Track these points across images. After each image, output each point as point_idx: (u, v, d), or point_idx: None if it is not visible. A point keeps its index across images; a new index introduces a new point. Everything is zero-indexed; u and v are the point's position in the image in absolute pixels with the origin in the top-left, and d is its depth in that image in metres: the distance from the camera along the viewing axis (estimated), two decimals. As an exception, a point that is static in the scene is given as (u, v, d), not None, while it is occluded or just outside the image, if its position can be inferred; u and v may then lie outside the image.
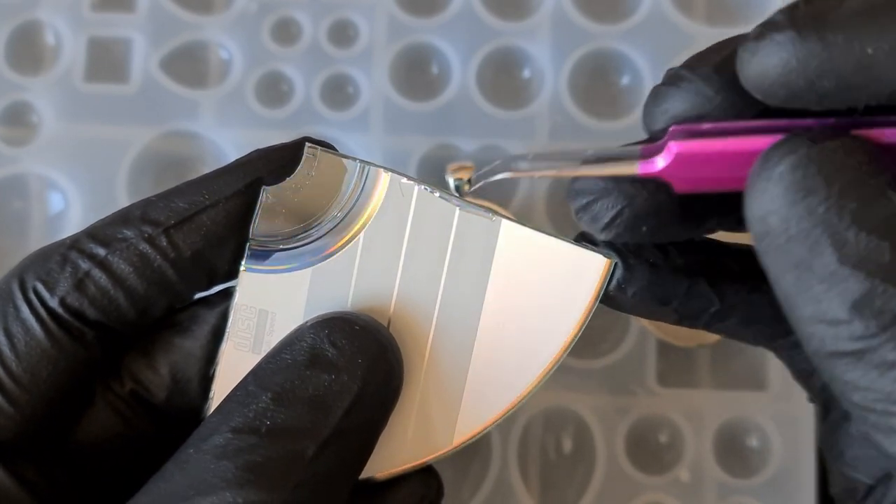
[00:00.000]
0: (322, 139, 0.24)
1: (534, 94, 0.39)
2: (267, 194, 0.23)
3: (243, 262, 0.23)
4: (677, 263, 0.22)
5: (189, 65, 0.40)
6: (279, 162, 0.23)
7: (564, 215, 0.38)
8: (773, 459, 0.36)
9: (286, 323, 0.23)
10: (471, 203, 0.23)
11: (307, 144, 0.23)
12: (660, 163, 0.19)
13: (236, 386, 0.21)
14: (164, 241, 0.22)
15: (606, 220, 0.21)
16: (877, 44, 0.17)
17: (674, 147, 0.19)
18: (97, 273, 0.22)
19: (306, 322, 0.22)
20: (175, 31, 0.40)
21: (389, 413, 0.22)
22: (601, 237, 0.21)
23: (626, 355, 0.37)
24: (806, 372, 0.24)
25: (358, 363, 0.21)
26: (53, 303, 0.22)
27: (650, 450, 0.37)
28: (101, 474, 0.23)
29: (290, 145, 0.23)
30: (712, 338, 0.37)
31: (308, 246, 0.23)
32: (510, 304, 0.23)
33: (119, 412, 0.23)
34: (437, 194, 0.23)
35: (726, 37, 0.21)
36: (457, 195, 0.23)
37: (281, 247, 0.23)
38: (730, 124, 0.19)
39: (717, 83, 0.19)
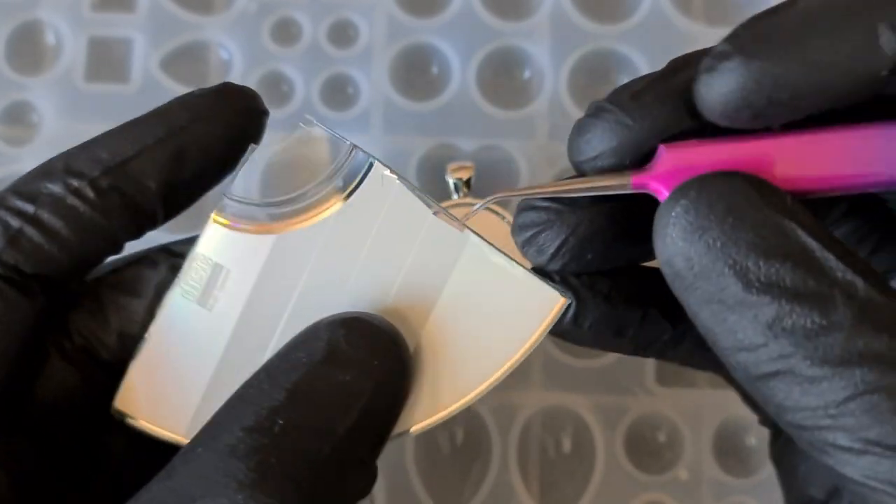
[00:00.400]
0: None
1: (533, 95, 0.40)
2: (252, 153, 0.23)
3: (213, 213, 0.23)
4: (629, 293, 0.22)
5: (189, 65, 0.40)
6: (198, 108, 0.23)
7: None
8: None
9: (238, 282, 0.23)
10: (447, 211, 0.23)
11: (305, 115, 0.23)
12: (652, 169, 0.20)
13: (246, 382, 0.21)
14: (90, 193, 0.22)
15: (552, 250, 0.21)
16: (817, 51, 0.18)
17: (665, 149, 0.20)
18: (29, 229, 0.22)
19: (322, 320, 0.22)
20: (175, 31, 0.40)
21: (401, 410, 0.22)
22: (549, 268, 0.22)
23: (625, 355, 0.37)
24: None
25: (374, 364, 0.20)
26: None
27: (649, 449, 0.37)
28: (62, 438, 0.23)
29: (208, 91, 0.23)
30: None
31: (280, 213, 0.23)
32: (458, 320, 0.22)
33: (74, 366, 0.23)
34: (416, 194, 0.23)
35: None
36: (436, 202, 0.23)
37: (254, 208, 0.23)
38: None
39: (635, 111, 0.20)
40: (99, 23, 0.40)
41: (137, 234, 0.24)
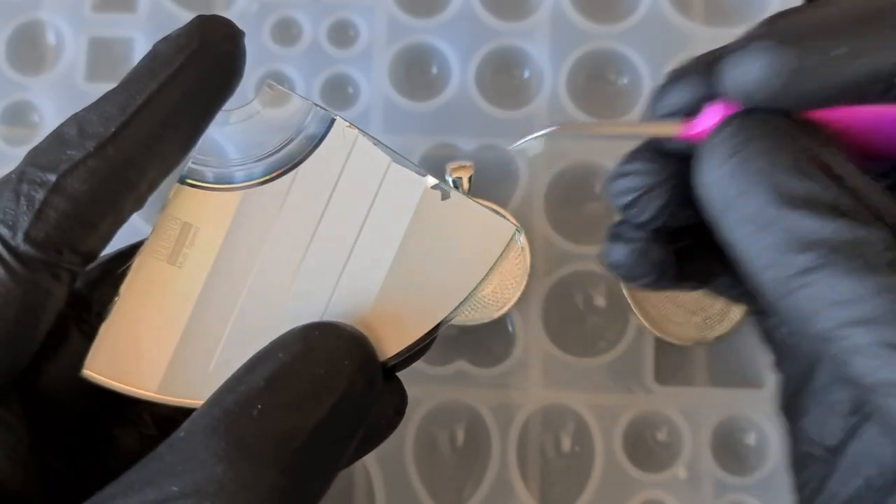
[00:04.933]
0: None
1: (533, 94, 0.40)
2: (218, 116, 0.24)
3: (180, 175, 0.24)
4: (677, 232, 0.24)
5: (190, 64, 0.41)
6: (187, 45, 0.23)
7: (564, 218, 0.39)
8: (769, 457, 0.37)
9: (207, 239, 0.24)
10: (406, 159, 0.24)
11: (267, 81, 0.25)
12: (702, 123, 0.21)
13: (228, 378, 0.21)
14: (111, 151, 0.22)
15: (653, 212, 0.23)
16: (839, 48, 0.19)
17: (712, 108, 0.21)
18: (55, 199, 0.22)
19: (296, 327, 0.23)
20: (176, 31, 0.40)
21: (369, 414, 0.23)
22: (647, 226, 0.23)
23: (624, 353, 0.37)
24: (769, 329, 0.26)
25: (345, 364, 0.22)
26: (17, 240, 0.21)
27: (648, 448, 0.38)
28: (70, 422, 0.24)
29: (188, 28, 0.23)
30: (710, 336, 0.37)
31: (246, 170, 0.24)
32: (422, 253, 0.24)
33: (91, 339, 0.23)
34: (377, 144, 0.24)
35: (724, 37, 0.21)
36: (397, 152, 0.24)
37: (221, 168, 0.24)
38: None
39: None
40: (100, 23, 0.41)
41: (166, 174, 0.24)
